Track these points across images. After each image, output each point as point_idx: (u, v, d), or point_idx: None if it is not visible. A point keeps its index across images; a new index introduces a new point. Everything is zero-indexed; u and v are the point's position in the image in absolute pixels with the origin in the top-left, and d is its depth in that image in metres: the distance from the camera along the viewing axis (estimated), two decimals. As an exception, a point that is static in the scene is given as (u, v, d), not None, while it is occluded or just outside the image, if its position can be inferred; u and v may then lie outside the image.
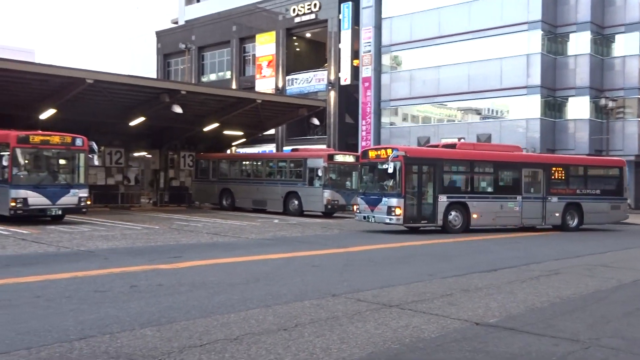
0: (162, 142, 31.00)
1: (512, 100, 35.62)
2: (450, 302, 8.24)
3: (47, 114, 23.40)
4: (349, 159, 27.47)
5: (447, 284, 9.79)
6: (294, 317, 7.14)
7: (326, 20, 40.19)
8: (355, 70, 38.80)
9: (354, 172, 27.04)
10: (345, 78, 39.19)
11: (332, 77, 39.76)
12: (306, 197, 25.97)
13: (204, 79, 48.94)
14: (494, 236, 18.96)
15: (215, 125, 29.10)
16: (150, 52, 54.87)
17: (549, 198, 21.65)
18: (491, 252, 15.24)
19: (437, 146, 23.31)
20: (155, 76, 49.64)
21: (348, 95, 39.88)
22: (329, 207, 25.62)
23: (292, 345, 5.92)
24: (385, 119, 38.87)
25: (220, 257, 12.56)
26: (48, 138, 19.34)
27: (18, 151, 18.46)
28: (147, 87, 25.50)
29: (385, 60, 38.60)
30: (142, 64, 55.97)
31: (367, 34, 38.10)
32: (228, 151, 34.79)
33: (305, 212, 26.38)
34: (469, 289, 9.29)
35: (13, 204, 17.96)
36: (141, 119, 26.06)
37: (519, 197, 20.97)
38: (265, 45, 44.04)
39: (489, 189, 21.17)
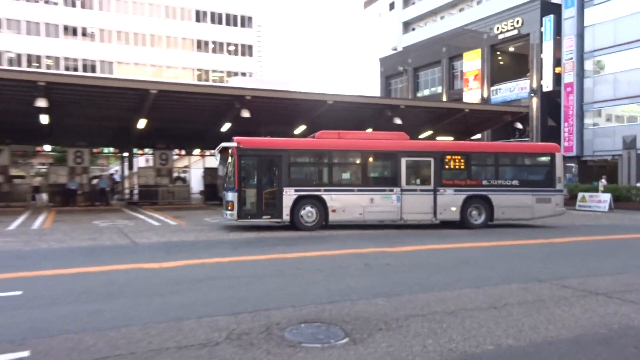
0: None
1: None
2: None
3: (300, 129, 26.42)
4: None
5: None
6: (503, 297, 7.01)
7: (528, 34, 38.62)
8: (556, 77, 36.86)
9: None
10: (547, 85, 37.37)
11: (535, 85, 38.11)
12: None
13: (419, 95, 49.82)
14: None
15: (429, 132, 29.97)
16: (375, 75, 57.48)
17: (441, 190, 16.40)
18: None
19: None
20: (379, 95, 52.02)
21: (550, 100, 37.88)
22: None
23: (502, 321, 5.84)
24: (588, 120, 36.23)
25: (435, 244, 12.76)
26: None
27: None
28: (374, 104, 27.14)
29: (588, 65, 36.07)
30: (369, 85, 58.84)
31: (569, 43, 35.92)
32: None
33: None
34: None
35: None
36: (369, 131, 27.92)
37: (396, 190, 16.11)
38: (471, 62, 43.60)
39: (354, 181, 16.28)
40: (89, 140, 29.37)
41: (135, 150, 32.44)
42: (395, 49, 59.11)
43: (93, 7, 61.25)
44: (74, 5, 60.33)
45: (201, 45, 66.55)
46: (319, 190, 15.63)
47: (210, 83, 61.23)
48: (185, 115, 24.17)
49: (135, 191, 31.02)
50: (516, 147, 19.20)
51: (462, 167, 16.79)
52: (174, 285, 7.71)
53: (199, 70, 65.96)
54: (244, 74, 66.72)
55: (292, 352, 4.86)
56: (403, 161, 16.25)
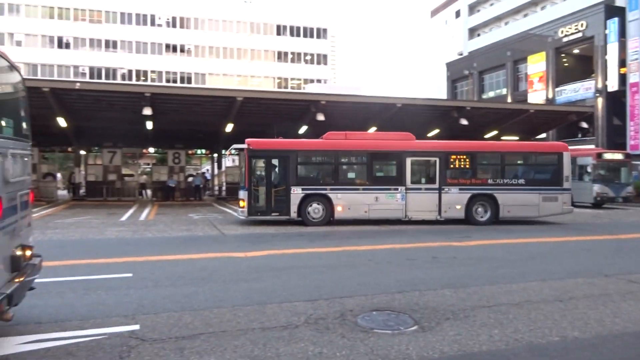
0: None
1: None
2: None
3: (371, 130, 26.21)
4: (617, 156, 24.56)
5: None
6: (568, 291, 6.69)
7: (592, 37, 36.27)
8: (622, 77, 34.41)
9: (622, 168, 24.38)
10: (612, 85, 34.94)
11: (600, 85, 35.80)
12: (576, 191, 24.17)
13: (484, 96, 48.07)
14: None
15: (494, 132, 28.91)
16: (441, 80, 56.17)
17: (446, 189, 15.66)
18: None
19: None
20: (445, 97, 50.79)
21: (615, 100, 35.42)
22: (598, 199, 23.27)
23: (568, 314, 5.59)
24: (655, 119, 33.79)
25: (501, 239, 12.28)
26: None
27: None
28: (440, 106, 26.44)
29: (654, 65, 33.53)
30: (435, 89, 57.61)
31: (634, 44, 33.39)
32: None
33: (575, 204, 24.54)
34: None
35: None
36: (436, 131, 27.22)
37: (401, 188, 15.44)
38: (536, 64, 41.54)
39: (360, 180, 15.66)
40: (184, 142, 30.64)
41: (223, 152, 33.47)
42: (461, 54, 57.46)
43: (190, 27, 63.87)
44: (174, 26, 63.17)
45: (281, 56, 67.70)
46: (325, 189, 15.24)
47: (289, 90, 62.19)
48: (267, 119, 24.65)
49: (224, 188, 32.04)
50: (523, 146, 17.68)
51: (467, 166, 16.00)
52: (257, 273, 7.90)
53: (279, 78, 67.12)
54: (319, 81, 67.25)
55: (365, 336, 4.85)
56: (408, 161, 15.63)
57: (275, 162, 15.39)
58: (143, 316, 5.44)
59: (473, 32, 58.89)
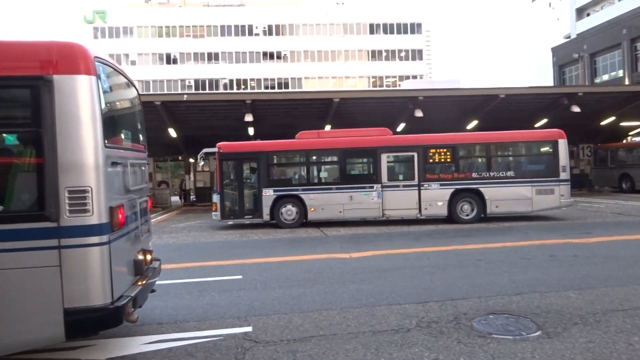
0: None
1: None
2: None
3: (472, 124, 25.22)
4: None
5: None
6: None
7: None
8: None
9: None
10: None
11: None
12: None
13: (597, 81, 44.35)
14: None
15: (612, 118, 26.47)
16: (545, 67, 52.61)
17: (426, 185, 14.47)
18: None
19: None
20: (551, 85, 47.50)
21: None
22: None
23: None
24: None
25: (627, 234, 11.11)
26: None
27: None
28: (548, 94, 24.70)
29: None
30: (539, 77, 54.12)
31: None
32: (624, 141, 31.10)
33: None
34: None
35: None
36: (544, 121, 25.54)
37: (376, 186, 14.47)
38: (658, 40, 37.69)
39: (332, 180, 14.94)
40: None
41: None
42: (569, 37, 53.40)
43: (285, 34, 65.68)
44: (270, 34, 65.32)
45: (375, 54, 67.30)
46: (297, 190, 14.84)
47: (384, 88, 61.66)
48: (363, 118, 24.51)
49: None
50: (511, 135, 15.79)
51: (449, 160, 14.76)
52: (363, 274, 7.79)
53: (373, 77, 66.79)
54: (414, 77, 65.97)
55: (483, 342, 4.54)
56: (383, 157, 14.71)
57: (246, 164, 15.35)
58: (255, 318, 5.55)
59: (581, 12, 54.45)
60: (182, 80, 63.16)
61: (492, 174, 14.70)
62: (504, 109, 23.52)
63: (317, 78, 65.44)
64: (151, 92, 58.49)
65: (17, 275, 3.69)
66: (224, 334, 5.05)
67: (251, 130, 23.96)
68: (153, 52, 63.36)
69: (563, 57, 48.53)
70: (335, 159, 15.36)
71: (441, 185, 14.67)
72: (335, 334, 4.93)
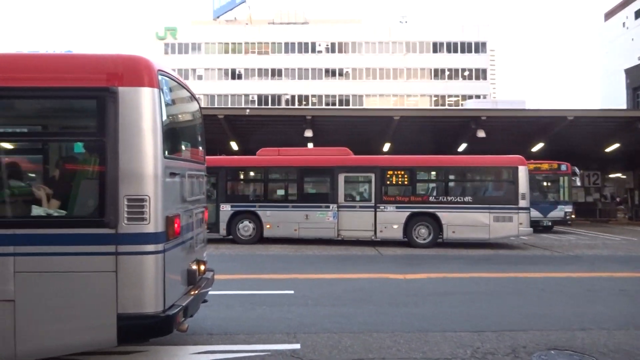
0: (636, 163, 28.10)
1: None
2: None
3: (537, 147, 24.24)
4: None
5: None
6: None
7: None
8: None
9: None
10: None
11: None
12: None
13: (676, 104, 41.73)
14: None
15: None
16: (617, 88, 50.02)
17: (382, 207, 14.11)
18: None
19: None
20: (624, 107, 45.01)
21: None
22: None
23: None
24: None
25: None
26: (539, 165, 20.30)
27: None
28: (620, 117, 23.49)
29: None
30: (610, 99, 51.50)
31: None
32: None
33: None
34: None
35: None
36: (615, 145, 24.19)
37: (333, 206, 14.30)
38: None
39: (290, 197, 14.81)
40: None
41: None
42: (646, 58, 50.53)
43: (347, 51, 66.19)
44: (333, 51, 66.06)
45: (438, 73, 66.44)
46: (254, 206, 14.79)
47: (446, 107, 60.62)
48: (423, 138, 24.17)
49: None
50: (470, 160, 15.22)
51: (406, 182, 14.47)
52: (416, 297, 7.55)
53: (435, 96, 65.86)
54: (478, 97, 64.35)
55: (543, 380, 4.23)
56: (341, 177, 14.51)
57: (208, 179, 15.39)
58: (304, 335, 5.46)
59: (660, 32, 51.53)
60: (246, 95, 64.83)
61: (449, 198, 14.30)
62: (571, 131, 22.46)
63: (378, 96, 65.32)
64: (216, 105, 60.39)
65: (76, 278, 3.81)
66: (272, 349, 4.99)
67: (310, 145, 24.12)
68: (219, 67, 65.51)
69: (638, 79, 45.95)
70: (293, 177, 15.19)
71: (397, 207, 14.36)
72: (384, 357, 4.76)
